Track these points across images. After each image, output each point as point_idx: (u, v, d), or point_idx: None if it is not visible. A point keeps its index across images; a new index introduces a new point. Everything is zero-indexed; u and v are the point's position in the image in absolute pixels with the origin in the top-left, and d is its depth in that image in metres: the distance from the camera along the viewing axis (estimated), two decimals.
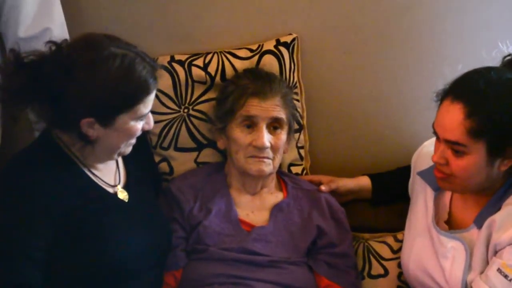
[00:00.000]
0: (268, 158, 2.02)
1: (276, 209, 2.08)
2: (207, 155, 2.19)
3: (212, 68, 2.16)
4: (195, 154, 2.19)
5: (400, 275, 2.09)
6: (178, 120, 2.17)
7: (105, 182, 1.84)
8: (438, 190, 1.96)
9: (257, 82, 2.04)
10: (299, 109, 2.22)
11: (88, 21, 2.18)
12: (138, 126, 1.77)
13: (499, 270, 1.76)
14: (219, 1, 2.21)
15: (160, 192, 2.10)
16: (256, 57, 2.18)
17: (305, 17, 2.23)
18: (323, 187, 2.15)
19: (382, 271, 2.12)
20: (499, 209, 1.82)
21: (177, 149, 2.18)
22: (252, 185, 2.09)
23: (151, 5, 2.20)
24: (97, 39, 1.72)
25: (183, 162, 2.19)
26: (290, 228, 2.06)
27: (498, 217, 1.79)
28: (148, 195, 1.98)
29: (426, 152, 2.01)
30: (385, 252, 2.14)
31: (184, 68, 2.16)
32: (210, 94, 2.17)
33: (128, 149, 1.84)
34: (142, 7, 2.20)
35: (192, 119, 2.17)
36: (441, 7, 2.24)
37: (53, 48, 1.71)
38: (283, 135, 2.04)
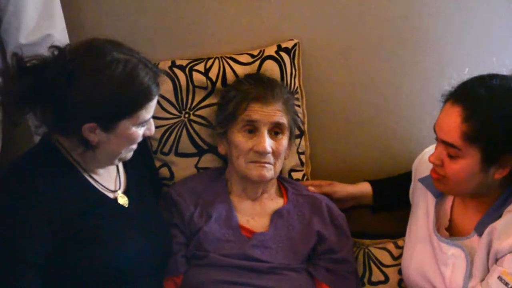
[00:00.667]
0: (269, 163, 2.02)
1: (277, 215, 2.07)
2: (207, 160, 2.19)
3: (213, 73, 2.16)
4: (195, 159, 2.19)
5: (400, 281, 2.10)
6: (178, 125, 2.16)
7: (105, 187, 1.84)
8: (439, 197, 1.96)
9: (259, 87, 2.04)
10: (300, 115, 2.21)
11: (89, 27, 2.18)
12: (140, 131, 1.77)
13: (499, 278, 1.76)
14: (220, 7, 2.21)
15: (160, 197, 2.10)
16: (257, 63, 2.17)
17: (306, 22, 2.24)
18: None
19: (382, 278, 2.12)
20: (499, 216, 1.82)
21: (178, 154, 2.17)
22: (252, 191, 2.09)
23: (152, 10, 2.20)
24: (100, 44, 1.72)
25: (183, 167, 2.18)
26: (290, 234, 2.05)
27: (498, 224, 1.80)
28: (148, 200, 1.97)
29: (427, 158, 2.01)
30: (385, 258, 2.14)
31: (185, 73, 2.16)
32: (211, 99, 2.17)
33: (129, 155, 1.83)
34: (143, 13, 2.20)
35: (193, 124, 2.16)
36: (442, 12, 2.25)
37: (56, 53, 1.71)
38: (284, 140, 2.04)
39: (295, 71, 2.21)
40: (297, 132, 2.18)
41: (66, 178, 1.77)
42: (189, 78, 2.15)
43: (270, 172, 2.03)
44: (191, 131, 2.17)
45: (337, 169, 2.31)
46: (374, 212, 2.21)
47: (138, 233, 1.84)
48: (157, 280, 1.92)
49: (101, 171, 1.84)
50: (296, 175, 2.24)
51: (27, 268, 1.68)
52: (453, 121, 1.77)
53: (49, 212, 1.70)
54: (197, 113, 2.17)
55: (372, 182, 2.21)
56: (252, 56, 2.19)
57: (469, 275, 1.84)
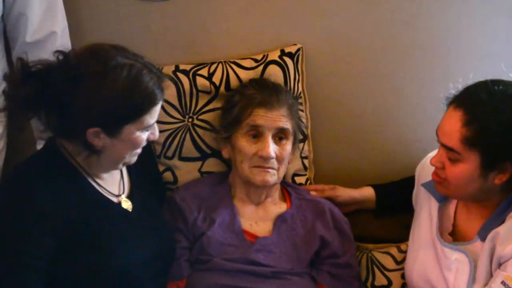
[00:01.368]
0: (273, 168, 2.02)
1: (280, 220, 2.08)
2: (211, 164, 2.19)
3: (216, 78, 2.16)
4: (199, 163, 2.19)
5: (403, 286, 2.09)
6: (182, 130, 2.16)
7: (109, 192, 1.84)
8: (442, 202, 1.96)
9: (263, 92, 2.05)
10: (303, 119, 2.22)
11: (91, 32, 2.19)
12: (144, 136, 1.77)
13: (503, 283, 1.76)
14: (224, 11, 2.22)
15: (164, 202, 2.10)
16: (261, 67, 2.18)
17: (309, 27, 2.24)
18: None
19: (385, 282, 2.12)
20: (503, 221, 1.82)
21: (181, 158, 2.18)
22: (256, 195, 2.09)
23: (156, 15, 2.21)
24: (104, 49, 1.72)
25: (187, 172, 2.18)
26: (293, 238, 2.05)
27: (502, 229, 1.80)
28: (152, 204, 1.97)
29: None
30: (388, 263, 2.13)
31: (188, 78, 2.16)
32: (215, 104, 2.17)
33: (133, 159, 1.83)
34: (147, 17, 2.20)
35: (197, 128, 2.17)
36: (447, 16, 2.25)
37: (60, 57, 1.71)
38: (288, 145, 2.04)
39: (299, 75, 2.21)
40: (300, 136, 2.18)
41: (70, 182, 1.77)
42: (193, 83, 2.16)
43: (273, 177, 2.03)
44: (195, 135, 2.17)
45: (340, 173, 2.31)
46: (377, 217, 2.21)
47: (142, 237, 1.84)
48: (161, 284, 1.91)
49: (105, 175, 1.84)
50: (299, 180, 2.24)
51: (30, 272, 1.67)
52: (454, 125, 1.77)
53: (52, 216, 1.70)
54: (201, 117, 2.17)
55: (375, 187, 2.21)
56: (255, 60, 2.19)
57: (472, 280, 1.83)
